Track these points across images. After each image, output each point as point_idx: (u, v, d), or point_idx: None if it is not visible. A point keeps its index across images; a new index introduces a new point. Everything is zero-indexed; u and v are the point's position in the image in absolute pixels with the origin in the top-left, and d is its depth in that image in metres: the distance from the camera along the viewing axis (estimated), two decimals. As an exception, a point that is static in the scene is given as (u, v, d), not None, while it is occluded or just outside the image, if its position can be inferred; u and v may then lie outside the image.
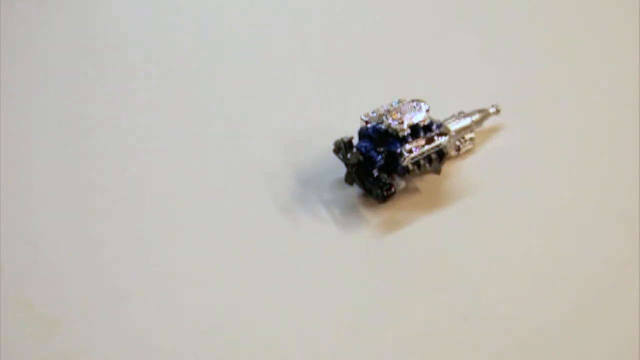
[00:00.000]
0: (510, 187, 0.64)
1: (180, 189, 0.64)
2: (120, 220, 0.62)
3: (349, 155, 0.62)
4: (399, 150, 0.61)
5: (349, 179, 0.63)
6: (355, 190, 0.64)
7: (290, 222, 0.62)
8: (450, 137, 0.64)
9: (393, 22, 0.76)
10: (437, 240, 0.61)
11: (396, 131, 0.61)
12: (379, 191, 0.62)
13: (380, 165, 0.61)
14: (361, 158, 0.62)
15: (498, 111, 0.67)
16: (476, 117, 0.66)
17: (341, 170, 0.63)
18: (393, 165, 0.62)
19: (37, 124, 0.68)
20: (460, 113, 0.66)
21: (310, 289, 0.59)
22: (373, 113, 0.63)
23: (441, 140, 0.62)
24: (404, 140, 0.61)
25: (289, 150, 0.66)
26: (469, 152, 0.66)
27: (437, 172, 0.63)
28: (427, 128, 0.62)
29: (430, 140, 0.62)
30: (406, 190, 0.64)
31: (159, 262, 0.60)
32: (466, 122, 0.65)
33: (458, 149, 0.65)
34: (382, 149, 0.62)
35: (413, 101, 0.62)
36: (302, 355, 0.56)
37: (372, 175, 0.62)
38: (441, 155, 0.62)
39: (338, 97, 0.70)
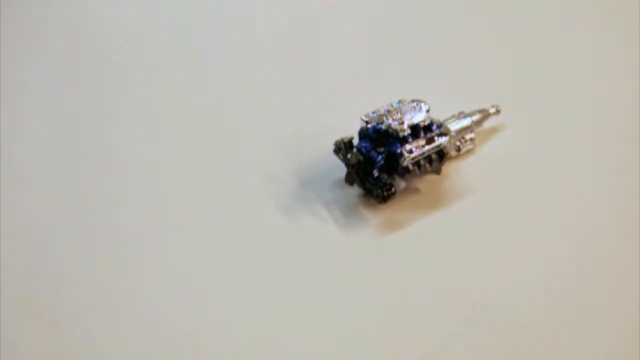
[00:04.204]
0: (510, 187, 0.64)
1: (181, 190, 0.64)
2: (120, 220, 0.62)
3: (349, 155, 0.62)
4: (399, 150, 0.61)
5: (349, 179, 0.63)
6: (355, 190, 0.64)
7: (290, 222, 0.62)
8: (450, 137, 0.64)
9: (393, 22, 0.76)
10: (437, 240, 0.61)
11: (396, 131, 0.61)
12: (379, 191, 0.62)
13: (380, 165, 0.61)
14: (361, 158, 0.62)
15: (498, 111, 0.67)
16: (476, 117, 0.66)
17: (341, 170, 0.64)
18: (393, 165, 0.62)
19: (37, 123, 0.68)
20: (460, 113, 0.66)
21: (310, 289, 0.59)
22: (373, 113, 0.63)
23: (441, 140, 0.62)
24: (404, 140, 0.61)
25: (289, 151, 0.66)
26: (469, 152, 0.66)
27: (437, 172, 0.63)
28: (427, 128, 0.62)
29: (430, 140, 0.62)
30: (406, 190, 0.64)
31: (159, 262, 0.60)
32: (466, 122, 0.65)
33: (458, 149, 0.65)
34: (382, 149, 0.62)
35: (413, 101, 0.62)
36: (301, 355, 0.56)
37: (372, 175, 0.62)
38: (441, 155, 0.62)
39: (338, 97, 0.70)
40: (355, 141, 0.63)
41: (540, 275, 0.59)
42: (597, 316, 0.57)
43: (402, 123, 0.61)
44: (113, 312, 0.57)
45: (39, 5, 0.77)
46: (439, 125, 0.62)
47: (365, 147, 0.62)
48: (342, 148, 0.62)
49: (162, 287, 0.59)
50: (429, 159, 0.62)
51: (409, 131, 0.61)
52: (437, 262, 0.60)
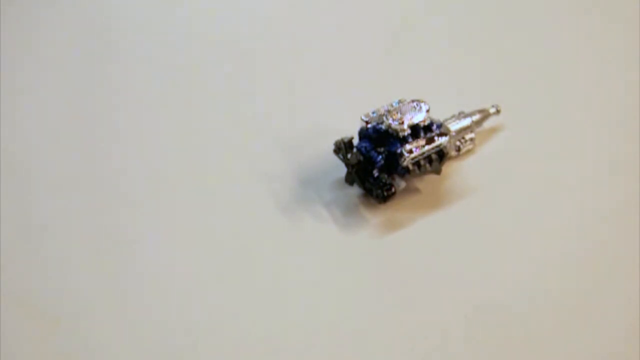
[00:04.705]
0: (510, 187, 0.64)
1: (181, 190, 0.64)
2: (120, 220, 0.62)
3: (349, 155, 0.62)
4: (399, 150, 0.61)
5: (349, 179, 0.63)
6: (355, 190, 0.64)
7: (290, 222, 0.62)
8: (450, 137, 0.64)
9: (393, 22, 0.76)
10: (437, 240, 0.61)
11: (396, 131, 0.61)
12: (379, 191, 0.62)
13: (380, 165, 0.61)
14: (361, 158, 0.62)
15: (498, 111, 0.67)
16: (476, 117, 0.66)
17: (341, 170, 0.64)
18: (393, 165, 0.62)
19: (37, 123, 0.68)
20: (460, 113, 0.66)
21: (310, 289, 0.59)
22: (373, 113, 0.63)
23: (441, 140, 0.62)
24: (404, 140, 0.61)
25: (289, 151, 0.66)
26: (469, 152, 0.66)
27: (437, 172, 0.63)
28: (427, 128, 0.62)
29: (430, 140, 0.62)
30: (406, 190, 0.64)
31: (159, 262, 0.60)
32: (466, 122, 0.65)
33: (458, 149, 0.65)
34: (382, 149, 0.62)
35: (413, 101, 0.62)
36: (301, 355, 0.56)
37: (372, 175, 0.62)
38: (441, 155, 0.62)
39: (338, 97, 0.70)
40: (355, 141, 0.63)
41: (541, 275, 0.59)
42: (598, 316, 0.57)
43: (402, 123, 0.61)
44: (113, 312, 0.57)
45: (39, 3, 0.77)
46: (439, 125, 0.62)
47: (365, 147, 0.62)
48: (342, 148, 0.62)
49: (162, 286, 0.59)
50: (429, 159, 0.62)
51: (409, 131, 0.61)
52: (437, 262, 0.60)
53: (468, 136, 0.65)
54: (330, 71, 0.72)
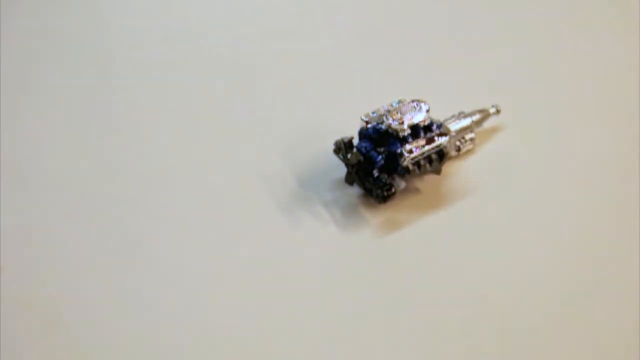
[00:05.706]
0: (510, 187, 0.64)
1: (181, 190, 0.64)
2: (120, 220, 0.62)
3: (349, 155, 0.62)
4: (399, 150, 0.61)
5: (349, 179, 0.63)
6: (355, 190, 0.64)
7: (290, 222, 0.62)
8: (450, 137, 0.64)
9: (393, 22, 0.76)
10: (437, 240, 0.61)
11: (396, 131, 0.61)
12: (379, 191, 0.62)
13: (380, 165, 0.61)
14: (361, 158, 0.62)
15: (498, 111, 0.67)
16: (476, 117, 0.66)
17: (341, 170, 0.64)
18: (393, 165, 0.62)
19: (37, 123, 0.68)
20: (460, 113, 0.66)
21: (310, 289, 0.59)
22: (373, 113, 0.63)
23: (441, 140, 0.62)
24: (404, 140, 0.61)
25: (289, 150, 0.66)
26: (469, 152, 0.66)
27: (437, 172, 0.63)
28: (427, 128, 0.62)
29: (430, 140, 0.62)
30: (406, 190, 0.64)
31: (159, 262, 0.60)
32: (466, 122, 0.65)
33: (458, 149, 0.65)
34: (382, 149, 0.62)
35: (413, 101, 0.62)
36: (301, 356, 0.56)
37: (372, 175, 0.62)
38: (441, 155, 0.62)
39: (338, 97, 0.70)
40: (355, 141, 0.63)
41: (540, 275, 0.59)
42: (597, 316, 0.57)
43: (402, 123, 0.61)
44: (113, 312, 0.57)
45: (40, 9, 0.77)
46: (439, 125, 0.62)
47: (365, 147, 0.62)
48: (342, 148, 0.62)
49: (161, 286, 0.59)
50: (429, 159, 0.62)
51: (409, 131, 0.61)
52: (438, 262, 0.60)
53: (468, 136, 0.65)
54: (330, 71, 0.72)
